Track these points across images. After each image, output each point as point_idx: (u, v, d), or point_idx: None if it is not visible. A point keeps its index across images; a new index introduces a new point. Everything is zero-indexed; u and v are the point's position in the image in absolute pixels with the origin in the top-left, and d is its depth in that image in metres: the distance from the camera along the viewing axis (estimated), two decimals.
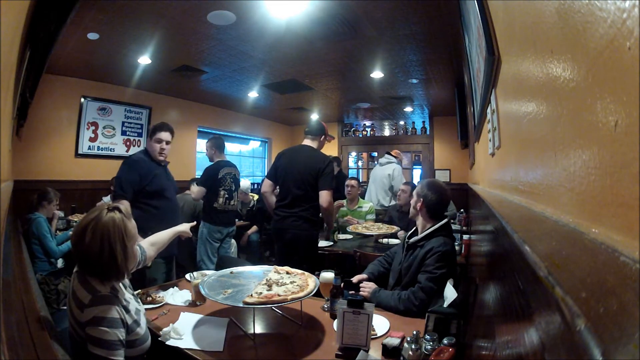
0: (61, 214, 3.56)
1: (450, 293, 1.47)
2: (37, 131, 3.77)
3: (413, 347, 1.20)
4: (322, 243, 3.08)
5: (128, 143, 4.67)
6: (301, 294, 1.37)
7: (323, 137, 2.72)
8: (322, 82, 4.41)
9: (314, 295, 1.43)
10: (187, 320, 1.52)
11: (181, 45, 3.19)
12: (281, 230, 2.51)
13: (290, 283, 1.48)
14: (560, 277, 0.35)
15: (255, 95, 5.10)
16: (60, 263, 3.01)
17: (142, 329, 1.24)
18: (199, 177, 3.90)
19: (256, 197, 4.77)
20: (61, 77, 3.95)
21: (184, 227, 1.82)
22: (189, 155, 5.56)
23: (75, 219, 3.69)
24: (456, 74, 3.80)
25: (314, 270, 1.85)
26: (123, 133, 4.62)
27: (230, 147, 6.69)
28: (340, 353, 1.27)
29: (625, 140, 0.30)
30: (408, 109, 5.90)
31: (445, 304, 1.43)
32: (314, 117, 6.41)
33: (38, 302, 1.52)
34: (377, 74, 4.00)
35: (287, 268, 1.68)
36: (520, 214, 0.72)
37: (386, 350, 1.26)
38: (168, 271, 2.40)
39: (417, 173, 7.13)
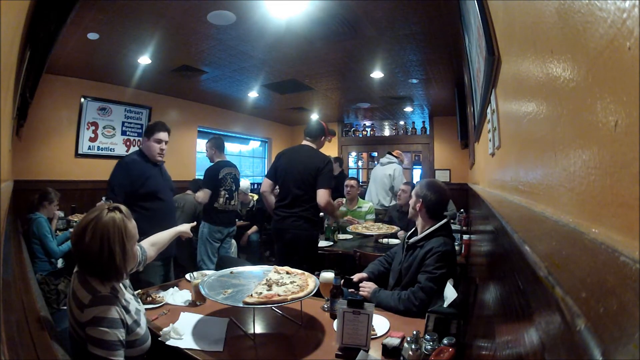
0: (61, 214, 3.56)
1: (450, 293, 1.46)
2: (37, 131, 3.77)
3: (413, 347, 1.20)
4: (322, 243, 3.09)
5: (128, 143, 4.67)
6: (301, 294, 1.37)
7: (322, 137, 2.72)
8: (322, 82, 4.41)
9: (314, 295, 1.43)
10: (187, 320, 1.52)
11: (181, 45, 3.19)
12: (281, 230, 2.51)
13: (290, 283, 1.48)
14: (560, 277, 0.35)
15: (255, 95, 5.10)
16: (60, 263, 3.01)
17: (142, 329, 1.24)
18: (199, 178, 3.90)
19: (256, 197, 4.77)
20: (61, 77, 3.95)
21: (184, 227, 1.82)
22: (189, 155, 5.56)
23: (75, 219, 3.69)
24: (456, 74, 3.80)
25: (314, 270, 1.85)
26: (123, 133, 4.62)
27: (230, 147, 6.69)
28: (340, 353, 1.27)
29: (625, 140, 0.30)
30: (408, 109, 5.90)
31: (445, 304, 1.43)
32: (314, 117, 6.41)
33: (38, 302, 1.52)
34: (377, 74, 4.00)
35: (287, 268, 1.68)
36: (520, 214, 0.72)
37: (386, 350, 1.26)
38: (166, 273, 2.37)
39: (417, 173, 7.13)
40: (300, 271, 1.65)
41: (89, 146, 4.30)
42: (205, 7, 2.49)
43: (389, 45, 3.17)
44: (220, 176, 3.30)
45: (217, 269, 2.30)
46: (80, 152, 4.21)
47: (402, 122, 6.92)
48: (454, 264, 1.83)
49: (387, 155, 4.82)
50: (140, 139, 4.75)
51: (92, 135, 4.33)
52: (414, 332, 1.23)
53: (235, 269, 1.75)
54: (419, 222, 1.92)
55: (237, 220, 3.83)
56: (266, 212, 3.72)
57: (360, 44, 3.14)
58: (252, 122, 6.79)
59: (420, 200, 1.87)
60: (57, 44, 2.22)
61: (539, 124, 0.60)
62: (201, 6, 2.47)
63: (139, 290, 1.72)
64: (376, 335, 1.40)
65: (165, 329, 1.36)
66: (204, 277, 1.65)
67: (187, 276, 1.90)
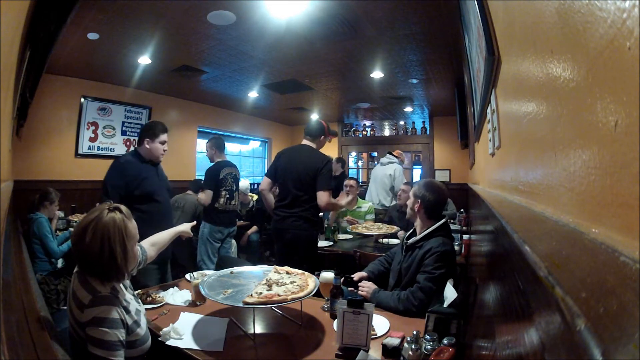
0: (61, 214, 3.56)
1: (450, 293, 1.46)
2: (37, 131, 3.77)
3: (413, 347, 1.20)
4: (322, 243, 3.09)
5: (128, 143, 4.67)
6: (301, 294, 1.36)
7: (322, 136, 2.71)
8: (322, 82, 4.41)
9: (314, 295, 1.43)
10: (187, 320, 1.52)
11: (181, 45, 3.19)
12: (281, 230, 2.51)
13: (290, 283, 1.48)
14: (560, 277, 0.35)
15: (255, 95, 5.10)
16: (60, 263, 3.01)
17: (143, 329, 1.23)
18: (200, 178, 3.89)
19: (255, 197, 4.77)
20: (61, 77, 3.95)
21: (185, 227, 1.82)
22: (189, 155, 5.56)
23: (75, 219, 3.69)
24: (456, 74, 3.80)
25: (314, 270, 1.85)
26: (123, 133, 4.62)
27: (230, 147, 6.69)
28: (340, 353, 1.27)
29: (625, 140, 0.30)
30: (408, 109, 5.90)
31: (445, 304, 1.43)
32: (314, 117, 6.41)
33: (38, 302, 1.52)
34: (377, 74, 4.00)
35: (287, 268, 1.68)
36: (520, 214, 0.72)
37: (386, 350, 1.26)
38: (162, 275, 2.34)
39: (417, 173, 7.13)
40: (300, 271, 1.64)
41: (89, 146, 4.30)
42: (205, 7, 2.49)
43: (389, 45, 3.17)
44: (221, 176, 3.30)
45: (217, 269, 2.30)
46: (80, 152, 4.21)
47: (402, 122, 6.92)
48: (453, 264, 1.82)
49: (388, 155, 4.83)
50: None
51: (92, 135, 4.33)
52: (414, 332, 1.23)
53: (235, 269, 1.75)
54: (417, 222, 1.92)
55: (237, 220, 3.83)
56: (266, 212, 3.72)
57: (360, 44, 3.14)
58: (252, 122, 6.79)
59: (419, 200, 1.86)
60: (57, 44, 2.22)
61: (539, 124, 0.60)
62: (201, 6, 2.47)
63: (139, 291, 1.72)
64: (376, 335, 1.40)
65: (165, 329, 1.36)
66: (204, 277, 1.65)
67: (187, 276, 1.90)
